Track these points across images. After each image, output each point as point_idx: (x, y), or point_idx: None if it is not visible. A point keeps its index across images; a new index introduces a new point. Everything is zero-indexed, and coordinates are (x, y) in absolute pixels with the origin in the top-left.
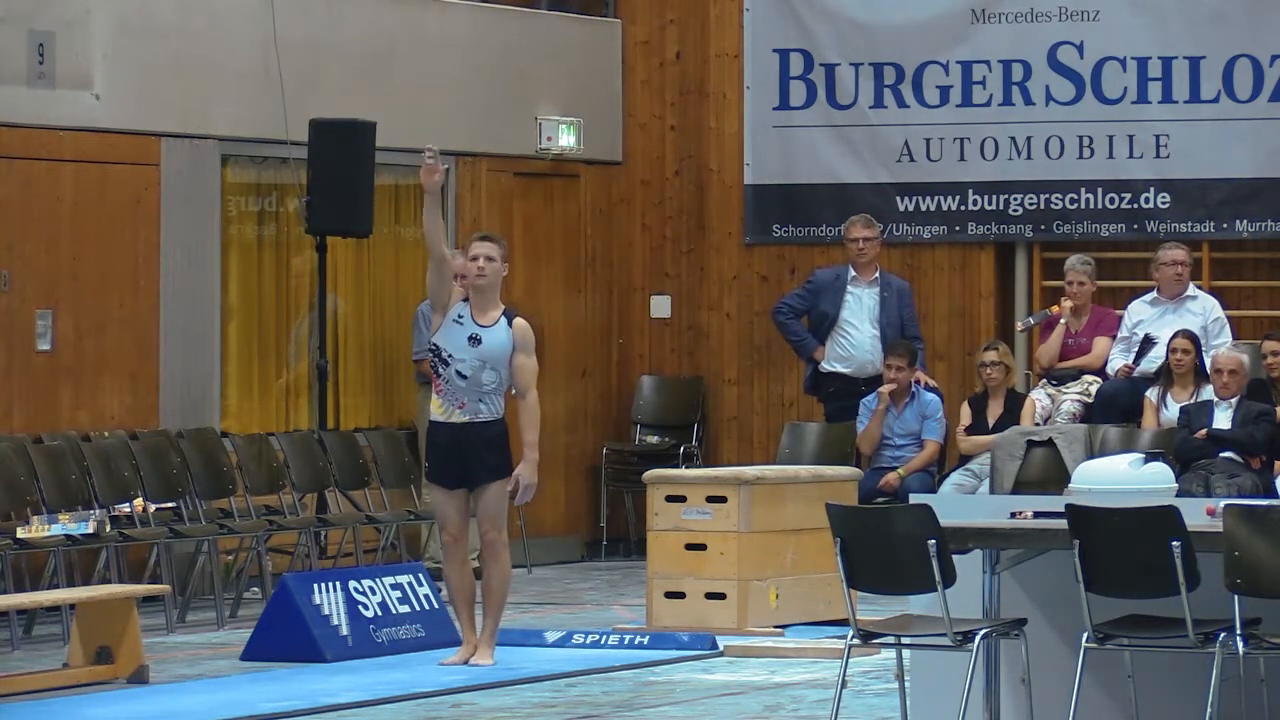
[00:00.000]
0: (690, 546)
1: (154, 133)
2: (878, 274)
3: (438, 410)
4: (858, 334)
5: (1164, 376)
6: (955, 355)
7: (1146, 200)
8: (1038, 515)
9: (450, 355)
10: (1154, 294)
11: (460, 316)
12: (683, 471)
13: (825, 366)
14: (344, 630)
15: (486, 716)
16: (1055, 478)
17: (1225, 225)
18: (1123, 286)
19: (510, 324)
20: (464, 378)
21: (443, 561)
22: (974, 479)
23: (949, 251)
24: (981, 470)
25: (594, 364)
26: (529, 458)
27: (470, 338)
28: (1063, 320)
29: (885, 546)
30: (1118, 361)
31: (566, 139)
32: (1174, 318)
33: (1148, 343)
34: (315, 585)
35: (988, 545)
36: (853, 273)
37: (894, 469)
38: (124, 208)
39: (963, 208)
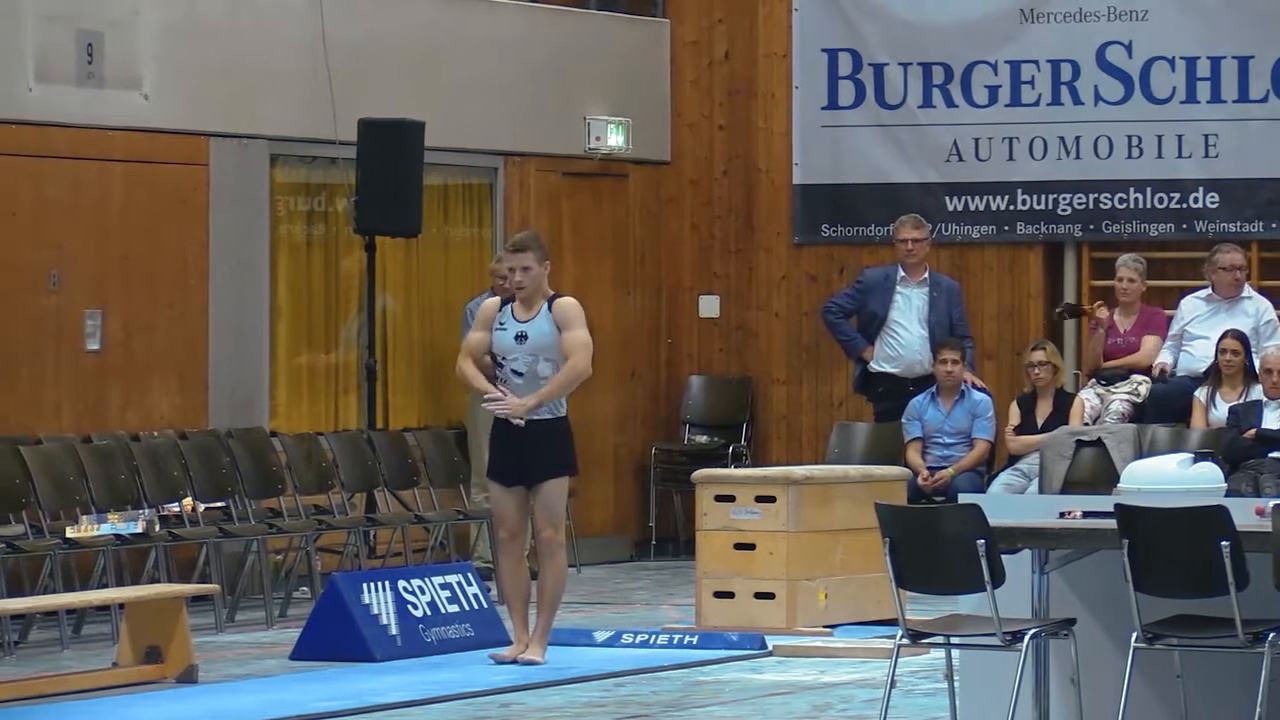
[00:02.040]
0: (739, 546)
1: (202, 132)
2: (927, 274)
3: None
4: (906, 334)
5: (1213, 376)
6: (1004, 355)
7: (1195, 200)
8: (1087, 515)
9: (504, 357)
10: (1208, 291)
11: (502, 323)
12: (732, 471)
13: (874, 366)
14: (393, 630)
15: (535, 716)
16: (1104, 478)
17: (1274, 225)
18: (1171, 286)
19: (551, 309)
20: (520, 375)
21: (498, 558)
22: (1023, 479)
23: (998, 251)
24: (1030, 470)
25: (643, 364)
26: (537, 392)
27: (517, 336)
28: (1100, 329)
29: (934, 546)
30: (1163, 358)
31: (615, 139)
32: (1226, 317)
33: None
34: (364, 585)
35: (1037, 545)
36: (902, 273)
37: (943, 468)
38: (173, 207)
39: (1011, 207)
